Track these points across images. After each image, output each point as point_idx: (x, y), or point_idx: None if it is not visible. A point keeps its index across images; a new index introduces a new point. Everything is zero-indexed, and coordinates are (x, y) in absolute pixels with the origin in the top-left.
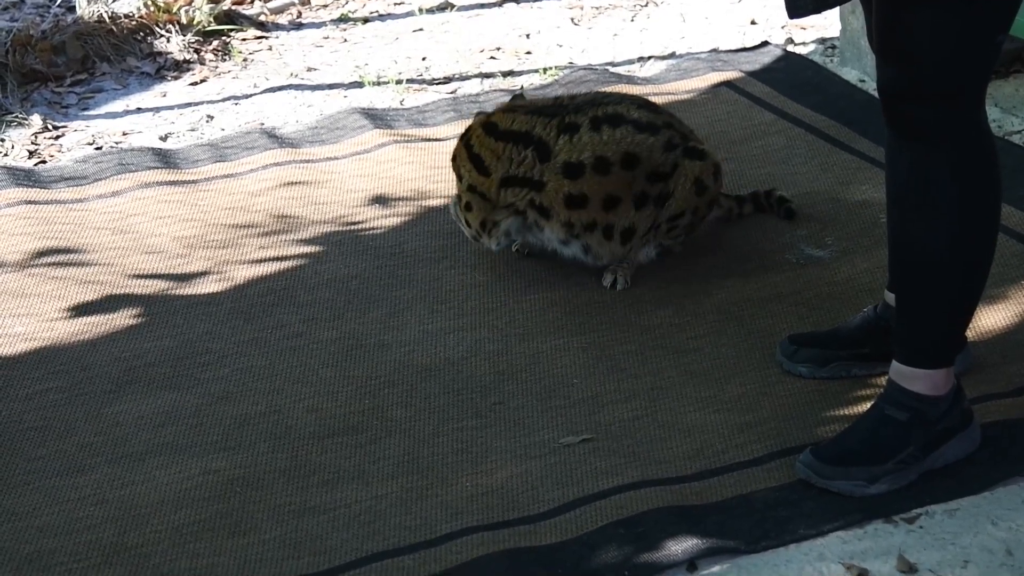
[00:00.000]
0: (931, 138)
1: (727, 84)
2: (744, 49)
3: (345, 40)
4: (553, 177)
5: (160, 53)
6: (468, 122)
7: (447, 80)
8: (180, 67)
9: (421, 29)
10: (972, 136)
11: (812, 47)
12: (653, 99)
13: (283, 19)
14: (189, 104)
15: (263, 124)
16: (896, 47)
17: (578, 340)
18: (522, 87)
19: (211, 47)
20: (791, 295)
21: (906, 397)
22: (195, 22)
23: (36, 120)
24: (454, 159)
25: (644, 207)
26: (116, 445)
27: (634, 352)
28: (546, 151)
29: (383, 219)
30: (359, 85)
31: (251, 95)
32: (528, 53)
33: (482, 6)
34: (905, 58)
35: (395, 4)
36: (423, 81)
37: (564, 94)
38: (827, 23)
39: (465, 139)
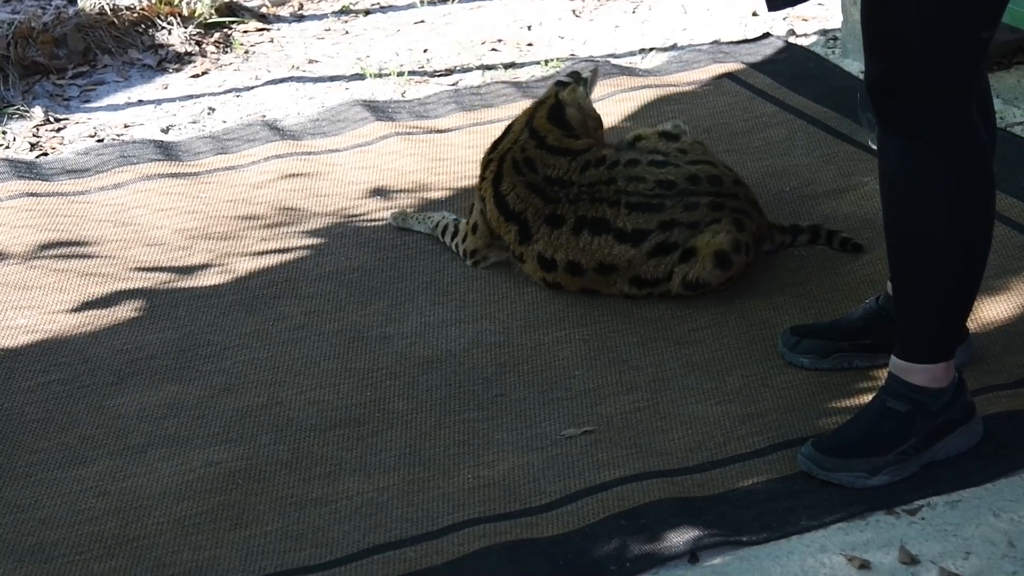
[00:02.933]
0: (919, 132)
1: (729, 76)
2: (746, 41)
3: (346, 32)
4: (530, 259)
5: (162, 45)
6: (469, 115)
7: (449, 72)
8: (182, 59)
9: (423, 21)
10: (960, 130)
11: (814, 38)
12: (655, 91)
13: (284, 11)
14: (191, 96)
15: (264, 116)
16: (882, 43)
17: (580, 332)
18: (596, 65)
19: (213, 39)
20: (793, 286)
21: (906, 389)
22: (196, 14)
23: (38, 112)
24: (482, 178)
25: (639, 289)
26: (118, 437)
27: (636, 344)
28: (527, 234)
29: (385, 211)
30: (360, 77)
31: (252, 87)
32: (530, 45)
33: None
34: (891, 54)
35: None
36: (425, 73)
37: (588, 154)
38: (829, 14)
39: (484, 168)
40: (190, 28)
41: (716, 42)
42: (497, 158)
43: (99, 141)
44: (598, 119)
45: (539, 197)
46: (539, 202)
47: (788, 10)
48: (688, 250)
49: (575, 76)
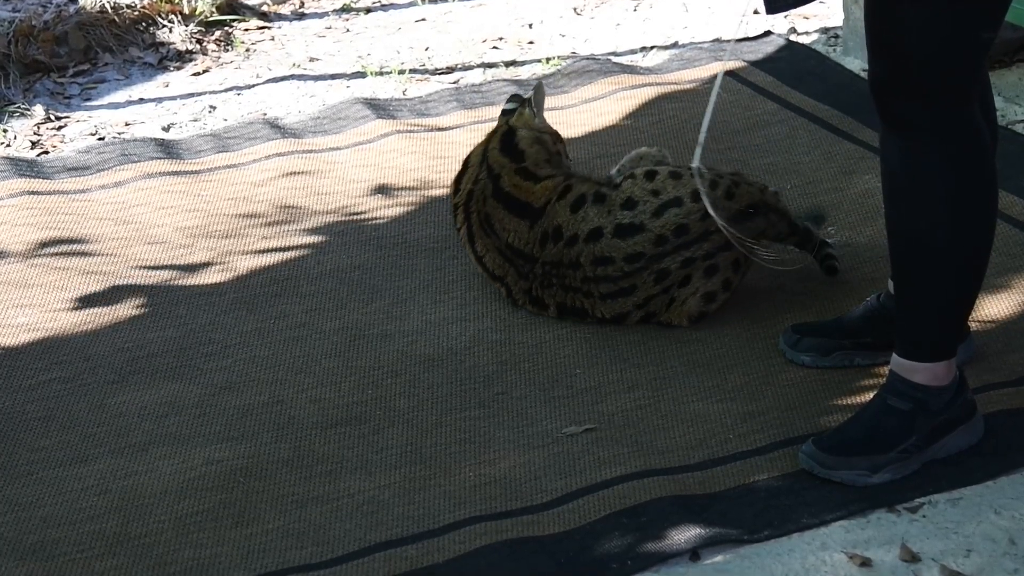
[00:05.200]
0: (919, 131)
1: (730, 74)
2: (747, 39)
3: (348, 30)
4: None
5: (163, 43)
6: (471, 113)
7: (450, 70)
8: (183, 57)
9: (424, 19)
10: (962, 129)
11: (815, 36)
12: (656, 89)
13: (285, 9)
14: (192, 94)
15: (266, 114)
16: (884, 42)
17: (581, 330)
18: (539, 81)
19: (213, 37)
20: (794, 284)
21: (908, 387)
22: (197, 12)
23: (39, 110)
24: (457, 227)
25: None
26: (119, 435)
27: (637, 342)
28: (514, 300)
29: (386, 209)
30: (362, 75)
31: (253, 85)
32: (531, 43)
33: None
34: (892, 53)
35: None
36: (426, 71)
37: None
38: (830, 12)
39: (455, 215)
40: (191, 26)
41: (717, 40)
42: (462, 204)
43: (100, 139)
44: (555, 135)
45: (513, 268)
46: (514, 274)
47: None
48: (665, 323)
49: (518, 99)
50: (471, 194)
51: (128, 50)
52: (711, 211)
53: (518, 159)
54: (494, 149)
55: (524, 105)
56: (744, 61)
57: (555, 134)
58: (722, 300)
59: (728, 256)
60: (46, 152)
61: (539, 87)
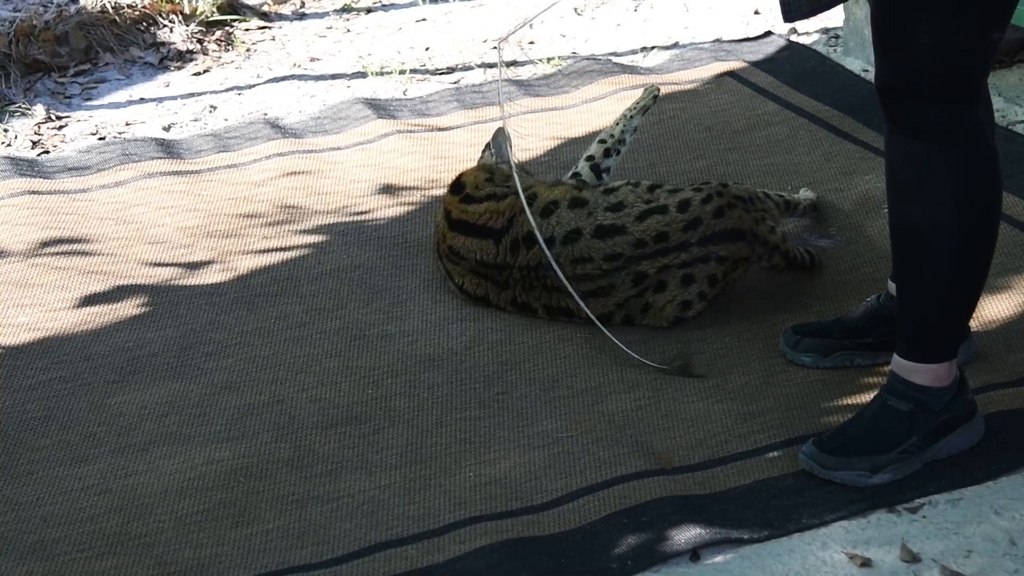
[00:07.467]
0: (927, 132)
1: (730, 74)
2: (748, 39)
3: (348, 30)
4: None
5: (163, 43)
6: (471, 113)
7: (450, 70)
8: (183, 57)
9: (424, 19)
10: (968, 130)
11: (816, 37)
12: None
13: (286, 9)
14: (192, 94)
15: (266, 114)
16: (892, 44)
17: (581, 330)
18: (500, 127)
19: (214, 37)
20: (794, 284)
21: (908, 388)
22: (198, 12)
23: (39, 110)
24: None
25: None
26: (119, 435)
27: (637, 342)
28: (501, 310)
29: (386, 209)
30: (362, 75)
31: (254, 85)
32: (531, 43)
33: None
34: (901, 55)
35: None
36: (426, 71)
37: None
38: (831, 12)
39: (438, 261)
40: (192, 26)
41: (718, 40)
42: (435, 251)
43: (101, 139)
44: (507, 167)
45: (489, 283)
46: (492, 287)
47: None
48: (646, 326)
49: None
50: (437, 240)
51: (129, 50)
52: (535, 230)
53: (460, 191)
54: (445, 195)
55: (486, 148)
56: (744, 61)
57: (507, 167)
58: (698, 308)
59: (704, 269)
60: (47, 152)
61: (498, 131)
